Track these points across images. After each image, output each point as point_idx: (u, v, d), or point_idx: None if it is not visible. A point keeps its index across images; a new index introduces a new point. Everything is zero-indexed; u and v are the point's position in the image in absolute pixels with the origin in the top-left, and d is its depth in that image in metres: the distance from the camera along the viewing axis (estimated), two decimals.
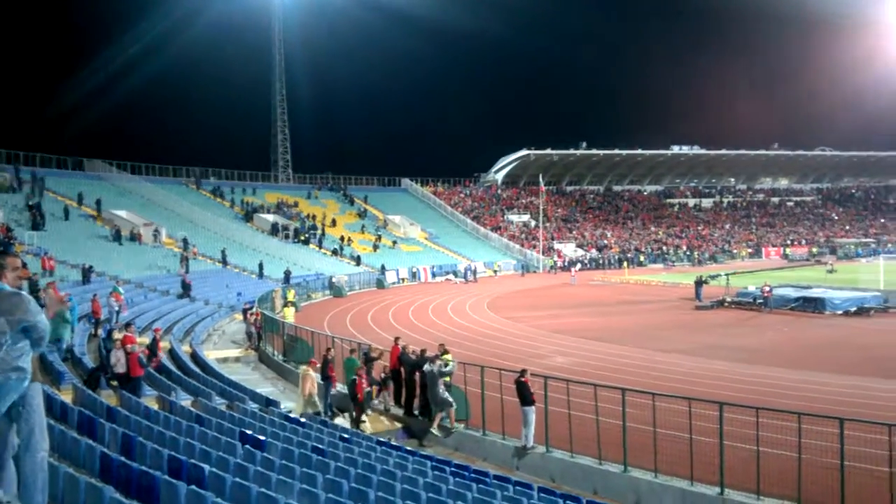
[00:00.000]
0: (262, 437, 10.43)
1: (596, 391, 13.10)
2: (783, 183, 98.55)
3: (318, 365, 18.13)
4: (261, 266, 44.88)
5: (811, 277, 44.21)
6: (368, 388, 16.91)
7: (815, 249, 72.68)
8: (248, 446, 9.75)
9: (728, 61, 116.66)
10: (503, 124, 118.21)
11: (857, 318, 31.27)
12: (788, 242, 76.43)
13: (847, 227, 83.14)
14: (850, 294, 34.43)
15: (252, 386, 18.29)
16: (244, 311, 29.31)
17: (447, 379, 15.65)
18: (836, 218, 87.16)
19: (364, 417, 16.76)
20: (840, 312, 32.14)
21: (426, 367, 15.70)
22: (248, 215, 59.33)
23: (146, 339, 18.97)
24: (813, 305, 33.17)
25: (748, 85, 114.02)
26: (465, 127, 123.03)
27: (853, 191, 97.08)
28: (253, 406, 14.75)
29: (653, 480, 11.63)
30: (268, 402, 15.69)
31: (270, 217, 59.39)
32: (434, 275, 56.74)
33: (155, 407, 12.71)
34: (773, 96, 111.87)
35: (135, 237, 43.77)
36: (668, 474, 11.64)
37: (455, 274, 56.51)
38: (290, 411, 15.57)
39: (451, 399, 15.39)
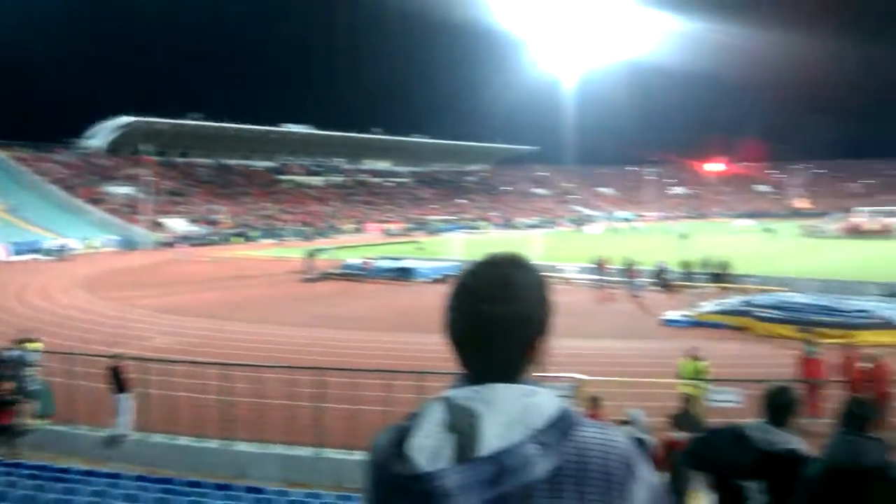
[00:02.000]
0: None
1: (199, 370, 12.85)
2: (384, 165, 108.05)
3: None
4: None
5: (405, 251, 49.58)
6: None
7: (406, 226, 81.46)
8: None
9: (344, 49, 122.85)
10: (103, 83, 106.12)
11: (440, 285, 36.02)
12: (387, 219, 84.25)
13: (435, 206, 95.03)
14: (435, 264, 39.56)
15: None
16: None
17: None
18: (427, 198, 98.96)
19: None
20: (427, 280, 36.71)
21: (14, 353, 13.61)
22: None
23: None
24: (405, 275, 37.29)
25: (361, 71, 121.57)
26: (57, 84, 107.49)
27: (440, 174, 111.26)
28: None
29: (253, 451, 11.90)
30: None
31: None
32: (17, 253, 49.22)
33: None
34: (378, 85, 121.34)
35: None
36: (270, 442, 12.02)
37: (43, 251, 49.59)
38: None
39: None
